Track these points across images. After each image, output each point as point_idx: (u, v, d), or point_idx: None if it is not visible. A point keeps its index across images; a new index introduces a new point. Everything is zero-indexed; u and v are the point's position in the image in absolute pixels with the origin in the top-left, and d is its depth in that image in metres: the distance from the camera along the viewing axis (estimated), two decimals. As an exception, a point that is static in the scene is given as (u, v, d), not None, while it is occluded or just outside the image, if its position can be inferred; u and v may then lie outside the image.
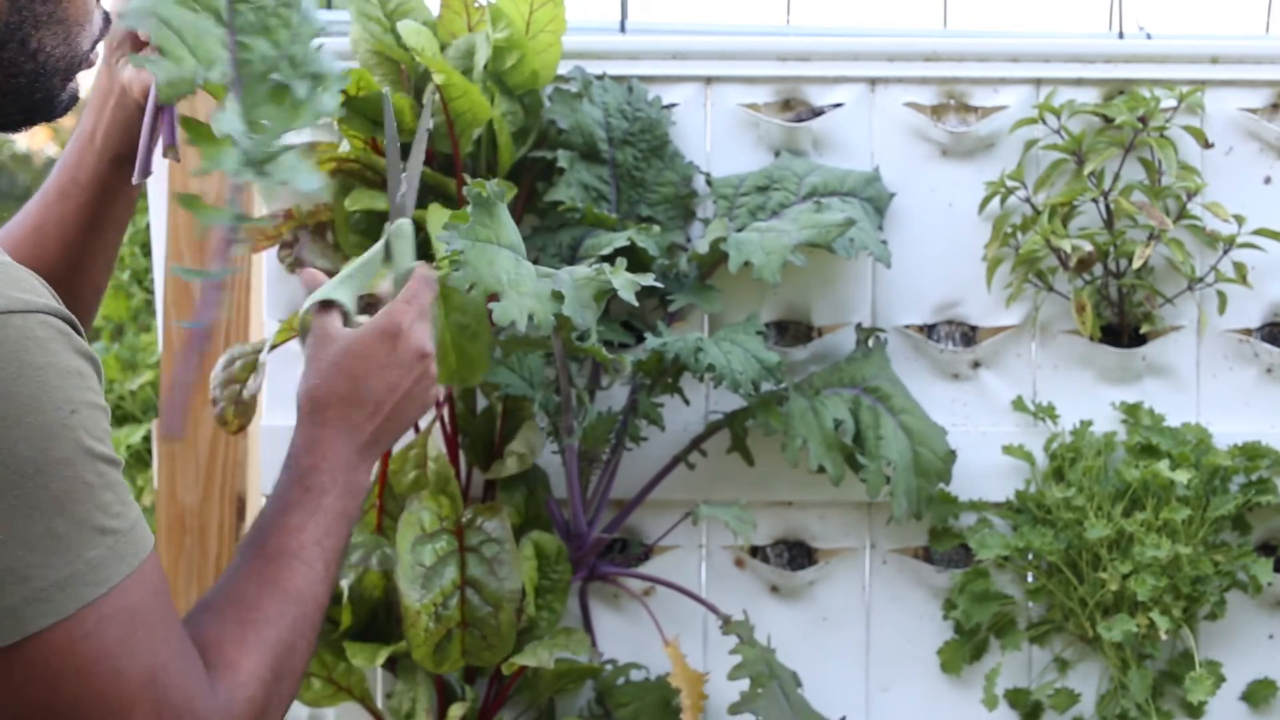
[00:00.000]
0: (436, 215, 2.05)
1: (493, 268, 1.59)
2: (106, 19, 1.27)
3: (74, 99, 1.25)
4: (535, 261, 2.20)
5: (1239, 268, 2.20)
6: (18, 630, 1.01)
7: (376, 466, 2.14)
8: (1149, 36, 2.35)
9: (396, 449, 2.16)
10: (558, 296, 1.61)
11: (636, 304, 1.68)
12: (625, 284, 1.65)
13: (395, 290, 1.47)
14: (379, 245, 1.47)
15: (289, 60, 1.38)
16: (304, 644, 1.23)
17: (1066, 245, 2.15)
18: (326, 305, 1.40)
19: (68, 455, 1.02)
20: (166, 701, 1.07)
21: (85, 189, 1.50)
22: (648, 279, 1.67)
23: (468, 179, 2.10)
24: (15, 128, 1.24)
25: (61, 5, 1.20)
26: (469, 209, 1.62)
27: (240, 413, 2.02)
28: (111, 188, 1.51)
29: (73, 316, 1.08)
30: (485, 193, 1.63)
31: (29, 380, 1.02)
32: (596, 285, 1.64)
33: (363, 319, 1.44)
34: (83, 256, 1.52)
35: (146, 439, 3.58)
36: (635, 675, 2.22)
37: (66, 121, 1.30)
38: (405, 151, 1.54)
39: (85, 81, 1.30)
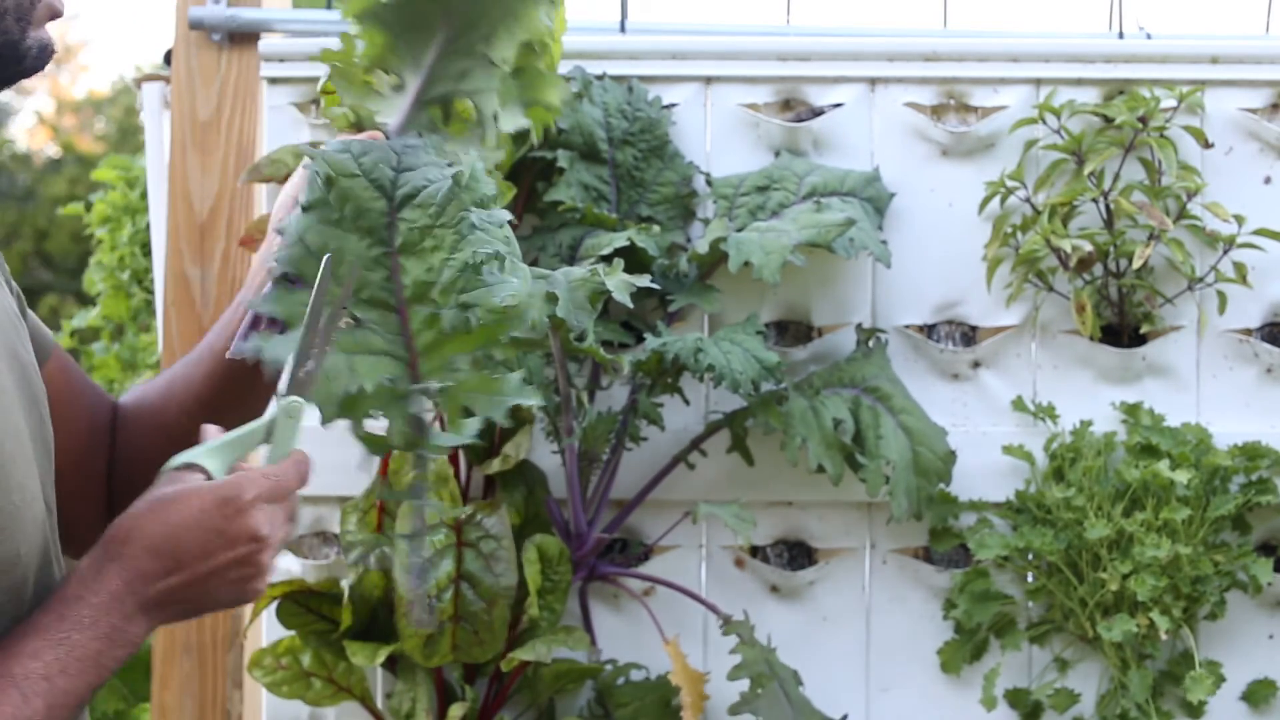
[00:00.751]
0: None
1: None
2: None
3: (44, 49, 1.23)
4: (534, 262, 2.21)
5: (1239, 268, 2.20)
6: None
7: (377, 466, 2.14)
8: (1149, 36, 2.35)
9: (396, 449, 2.16)
10: (551, 298, 1.59)
11: (632, 305, 1.68)
12: (619, 285, 1.65)
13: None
14: (262, 420, 1.28)
15: (444, 287, 1.31)
16: None
17: (1066, 245, 2.15)
18: (188, 467, 1.25)
19: None
20: None
21: (216, 358, 1.41)
22: (643, 280, 1.66)
23: None
24: None
25: None
26: None
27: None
28: (237, 375, 1.40)
29: None
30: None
31: None
32: (591, 286, 1.62)
33: None
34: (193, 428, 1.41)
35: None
36: (635, 675, 2.22)
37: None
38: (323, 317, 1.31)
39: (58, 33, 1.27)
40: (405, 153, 1.37)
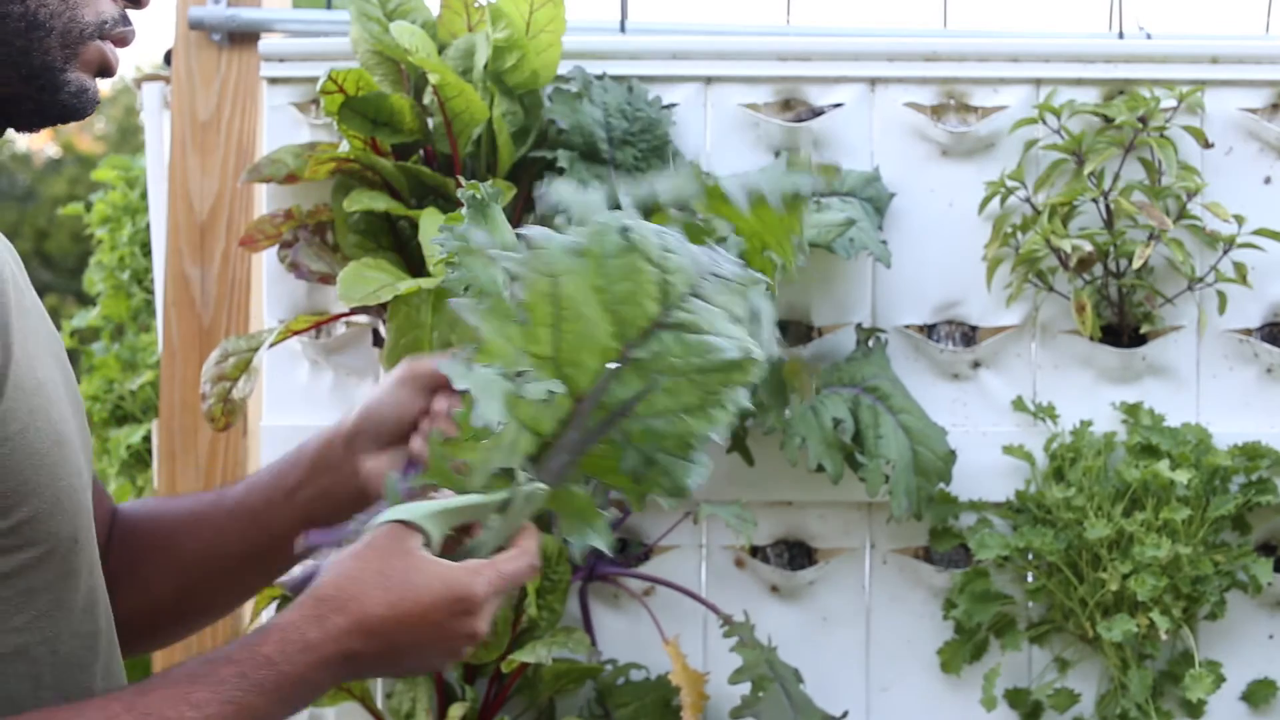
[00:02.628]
0: (431, 218, 2.05)
1: (488, 269, 1.53)
2: (125, 19, 1.20)
3: (83, 94, 1.18)
4: (535, 261, 2.21)
5: (1239, 268, 2.20)
6: None
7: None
8: (1149, 36, 2.35)
9: (396, 449, 2.16)
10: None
11: None
12: None
13: (491, 542, 1.24)
14: (499, 496, 1.22)
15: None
16: None
17: (1066, 245, 2.15)
18: (406, 523, 1.19)
19: None
20: None
21: (252, 525, 1.37)
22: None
23: (462, 180, 2.10)
24: (31, 120, 1.19)
25: None
26: (463, 211, 1.59)
27: (228, 411, 2.02)
28: (277, 548, 1.35)
29: None
30: (480, 194, 1.59)
31: None
32: None
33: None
34: (213, 579, 1.38)
35: (146, 439, 3.58)
36: (635, 675, 2.22)
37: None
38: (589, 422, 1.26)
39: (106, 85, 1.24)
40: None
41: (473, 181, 1.36)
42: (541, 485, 1.23)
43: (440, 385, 1.35)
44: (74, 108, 1.18)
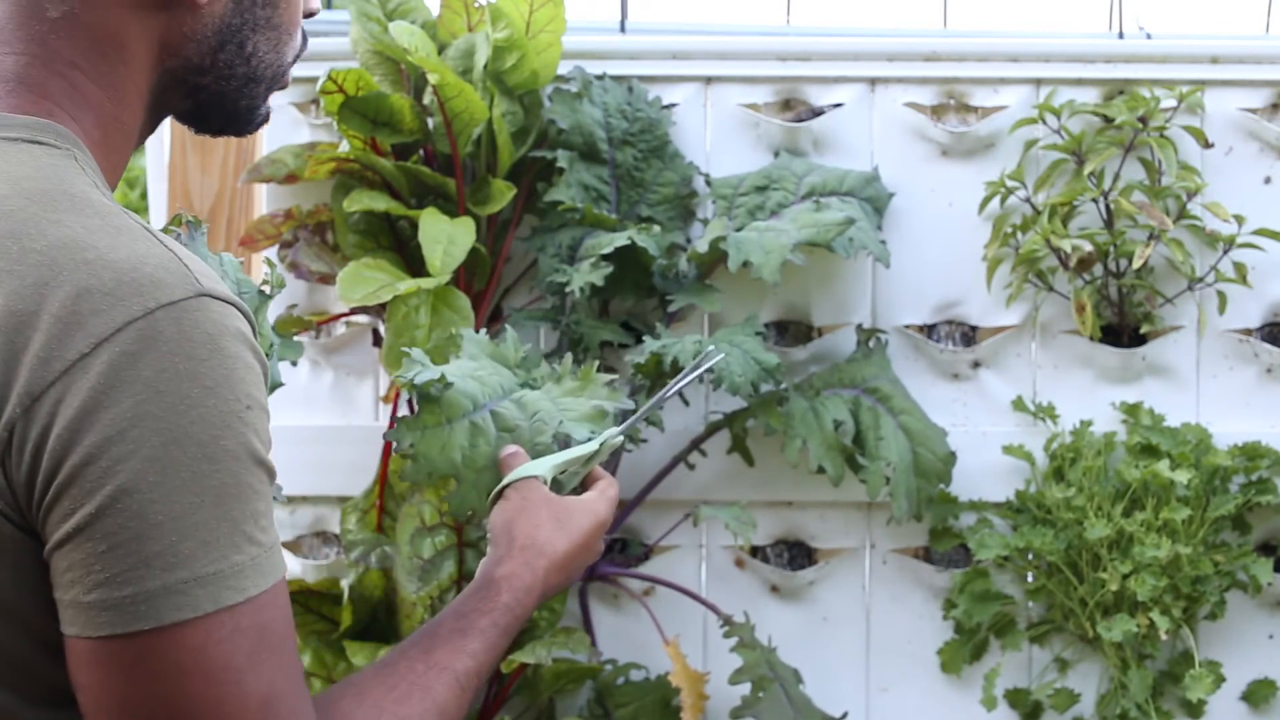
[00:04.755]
0: (430, 218, 2.05)
1: (445, 452, 1.63)
2: (304, 37, 1.27)
3: (266, 117, 1.27)
4: (533, 263, 2.21)
5: (1239, 268, 2.20)
6: (153, 617, 0.99)
7: (378, 465, 2.14)
8: (1149, 36, 2.35)
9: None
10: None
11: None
12: (606, 442, 1.69)
13: (573, 481, 1.65)
14: (588, 448, 1.64)
15: None
16: None
17: (1066, 245, 2.15)
18: (533, 478, 1.58)
19: (236, 450, 1.02)
20: None
21: None
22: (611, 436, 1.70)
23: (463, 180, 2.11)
24: (212, 133, 1.26)
25: (278, 10, 1.21)
26: (413, 397, 1.67)
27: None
28: None
29: (253, 317, 1.08)
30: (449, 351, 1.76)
31: (218, 366, 1.01)
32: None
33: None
34: None
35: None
36: (635, 675, 2.22)
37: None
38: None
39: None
40: None
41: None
42: (621, 439, 1.67)
43: None
44: (253, 129, 1.28)
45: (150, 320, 1.00)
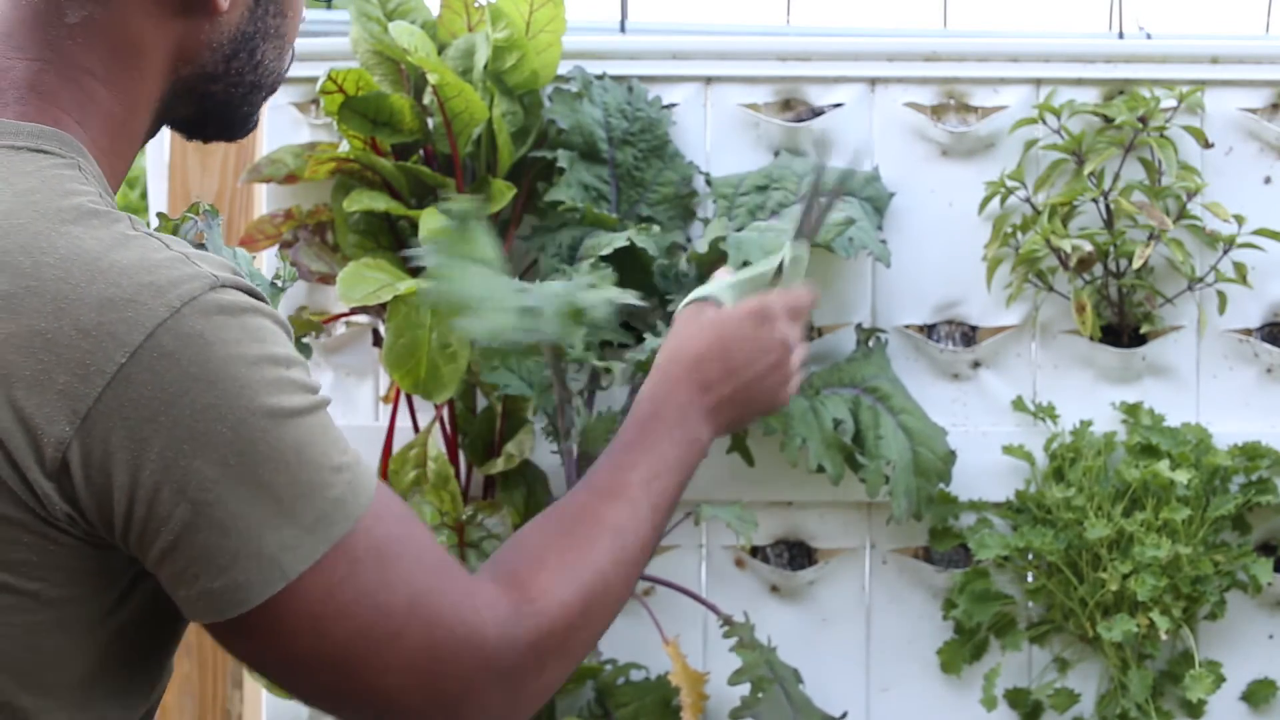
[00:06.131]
0: (431, 218, 2.05)
1: (466, 283, 1.56)
2: (291, 54, 1.29)
3: (256, 123, 1.27)
4: (534, 262, 2.21)
5: (1239, 268, 2.20)
6: (279, 577, 1.01)
7: (378, 466, 2.14)
8: (1149, 36, 2.35)
9: (396, 448, 2.16)
10: (530, 313, 1.57)
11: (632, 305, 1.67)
12: (600, 301, 1.63)
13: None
14: (772, 261, 1.47)
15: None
16: (619, 580, 1.26)
17: (1066, 245, 2.15)
18: (705, 300, 1.44)
19: (298, 405, 1.03)
20: (438, 622, 1.07)
21: None
22: (627, 296, 1.65)
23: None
24: (205, 140, 1.26)
25: (286, 20, 1.22)
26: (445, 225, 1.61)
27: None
28: None
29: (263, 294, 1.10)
30: (462, 209, 1.61)
31: (253, 340, 1.03)
32: (569, 302, 1.60)
33: None
34: None
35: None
36: (635, 675, 2.22)
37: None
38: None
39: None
40: None
41: (456, 197, 1.42)
42: (803, 243, 1.48)
43: None
44: (243, 136, 1.27)
45: (178, 319, 1.01)
